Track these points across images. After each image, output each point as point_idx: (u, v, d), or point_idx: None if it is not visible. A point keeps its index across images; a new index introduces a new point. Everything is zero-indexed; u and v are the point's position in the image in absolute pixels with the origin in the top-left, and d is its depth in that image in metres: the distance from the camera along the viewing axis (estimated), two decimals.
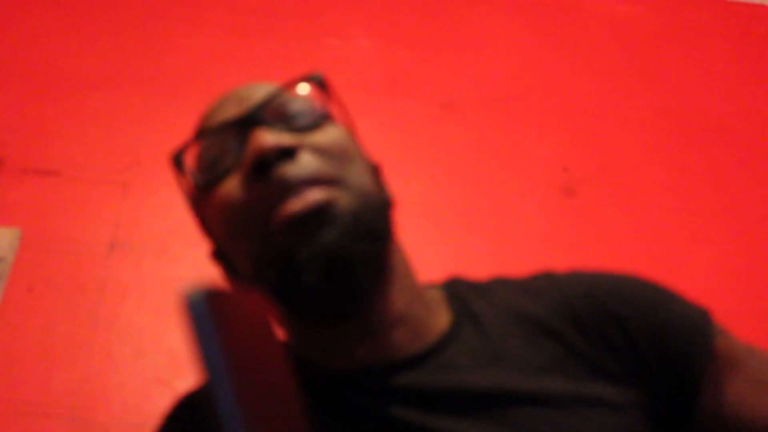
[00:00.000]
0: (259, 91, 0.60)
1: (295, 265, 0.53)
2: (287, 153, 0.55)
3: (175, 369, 1.25)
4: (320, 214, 0.53)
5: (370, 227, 0.55)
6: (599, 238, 1.44)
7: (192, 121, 1.53)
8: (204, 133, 0.61)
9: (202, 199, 0.60)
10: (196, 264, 1.35)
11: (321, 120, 0.59)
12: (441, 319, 0.62)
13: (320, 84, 0.61)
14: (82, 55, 1.54)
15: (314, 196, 0.53)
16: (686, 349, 0.59)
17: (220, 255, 0.63)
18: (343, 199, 0.54)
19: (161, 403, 1.22)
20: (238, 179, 0.56)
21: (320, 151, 0.56)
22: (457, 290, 0.65)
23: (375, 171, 0.64)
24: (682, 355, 0.59)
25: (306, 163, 0.55)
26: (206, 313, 0.33)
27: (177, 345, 1.29)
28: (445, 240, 1.39)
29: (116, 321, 1.28)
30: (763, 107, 1.65)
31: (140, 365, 1.25)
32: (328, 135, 0.58)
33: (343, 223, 0.53)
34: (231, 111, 0.60)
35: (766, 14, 1.78)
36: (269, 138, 0.54)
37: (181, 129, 1.47)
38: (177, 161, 0.61)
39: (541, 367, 0.57)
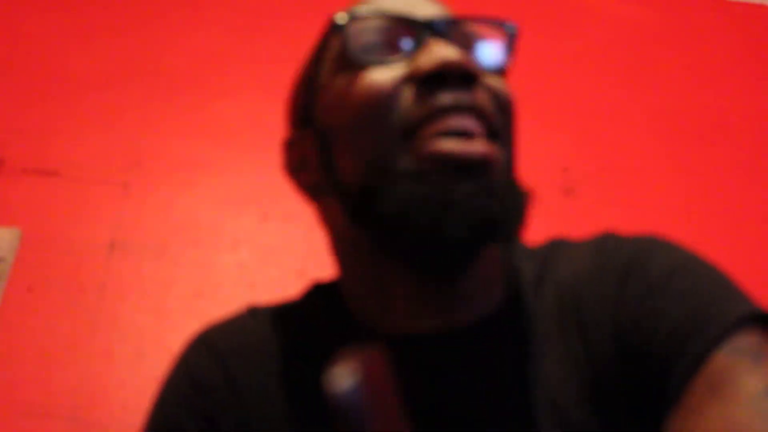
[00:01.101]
0: (439, 7, 0.56)
1: (429, 201, 0.48)
2: (468, 78, 0.51)
3: None
4: (478, 168, 0.49)
5: (515, 205, 0.52)
6: None
7: (192, 121, 1.54)
8: (389, 15, 0.54)
9: (340, 71, 0.54)
10: (196, 264, 1.35)
11: (502, 69, 0.55)
12: (495, 292, 0.57)
13: (512, 36, 0.57)
14: (82, 55, 1.54)
15: (481, 147, 0.49)
16: (673, 347, 0.49)
17: (319, 139, 0.56)
18: (501, 163, 0.51)
19: None
20: (402, 76, 0.51)
21: (496, 96, 0.53)
22: (513, 256, 0.60)
23: None
24: (666, 352, 0.49)
25: (483, 97, 0.51)
26: (358, 399, 0.33)
27: (177, 345, 1.28)
28: None
29: (116, 321, 1.28)
30: (763, 107, 1.65)
31: (140, 365, 1.25)
32: (508, 88, 0.54)
33: (495, 189, 0.50)
34: (422, 9, 0.55)
35: (766, 14, 1.78)
36: (457, 53, 0.50)
37: (181, 129, 1.48)
38: (338, 21, 0.55)
39: (567, 390, 0.52)
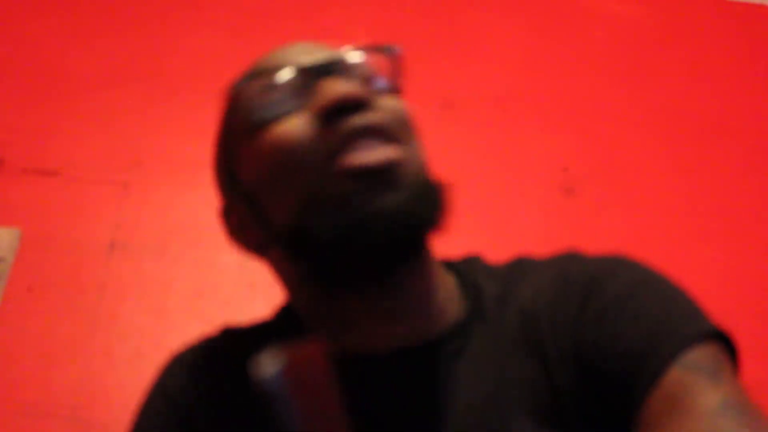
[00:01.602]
0: (324, 48, 0.60)
1: (355, 218, 0.52)
2: (362, 104, 0.54)
3: None
4: (389, 172, 0.53)
5: (432, 197, 0.55)
6: (599, 238, 1.44)
7: (192, 121, 1.54)
8: (272, 72, 0.58)
9: (247, 137, 0.58)
10: (196, 264, 1.35)
11: (390, 88, 0.59)
12: (454, 308, 0.59)
13: (395, 57, 0.60)
14: (82, 55, 1.54)
15: (386, 152, 0.53)
16: (631, 364, 0.50)
17: (248, 199, 0.60)
18: (409, 165, 0.54)
19: None
20: (304, 121, 0.55)
21: (390, 114, 0.56)
22: (473, 276, 0.62)
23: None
24: (624, 370, 0.50)
25: (379, 116, 0.55)
26: (282, 387, 0.33)
27: (177, 345, 1.28)
28: (445, 239, 1.39)
29: (116, 321, 1.28)
30: (763, 107, 1.65)
31: (140, 365, 1.25)
32: (401, 104, 0.58)
33: (408, 187, 0.53)
34: (303, 58, 0.58)
35: (766, 14, 1.78)
36: (348, 86, 0.54)
37: (181, 129, 1.48)
38: (233, 92, 0.60)
39: (523, 405, 0.53)
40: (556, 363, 0.53)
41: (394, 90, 0.59)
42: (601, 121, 1.59)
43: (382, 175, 0.52)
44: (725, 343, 0.52)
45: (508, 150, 1.52)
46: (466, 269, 0.63)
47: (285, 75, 0.57)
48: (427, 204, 0.54)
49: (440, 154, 1.49)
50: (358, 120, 0.54)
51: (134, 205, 1.39)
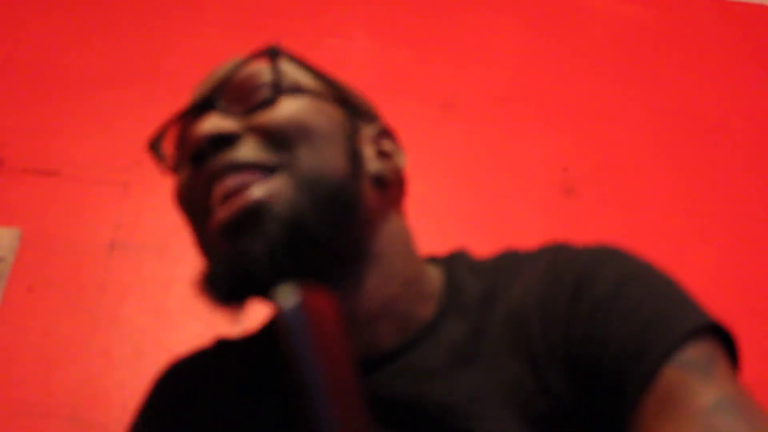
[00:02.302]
0: (225, 70, 0.58)
1: (210, 275, 0.52)
2: (226, 140, 0.52)
3: None
4: (250, 218, 0.50)
5: (316, 221, 0.51)
6: (599, 238, 1.43)
7: None
8: (173, 119, 0.58)
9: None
10: (196, 264, 1.35)
11: (275, 96, 0.54)
12: (428, 308, 0.57)
13: (273, 55, 0.56)
14: (82, 55, 1.54)
15: (244, 199, 0.50)
16: (623, 364, 0.48)
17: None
18: (283, 194, 0.51)
19: None
20: (186, 170, 0.55)
21: (267, 132, 0.53)
22: (454, 270, 0.60)
23: (356, 138, 0.58)
24: (616, 370, 0.48)
25: (244, 151, 0.52)
26: (301, 322, 0.33)
27: (177, 345, 1.29)
28: (445, 240, 1.39)
29: (116, 321, 1.28)
30: (763, 107, 1.65)
31: (140, 365, 1.25)
32: (279, 112, 0.53)
33: (276, 227, 0.50)
34: (199, 91, 0.59)
35: (766, 14, 1.78)
36: (207, 125, 0.52)
37: None
38: (155, 148, 0.60)
39: (505, 399, 0.51)
40: (545, 363, 0.52)
41: (284, 92, 0.55)
42: (601, 121, 1.59)
43: (242, 224, 0.50)
44: (721, 334, 0.50)
45: (508, 150, 1.52)
46: (450, 265, 0.61)
47: (175, 124, 0.58)
48: (303, 233, 0.50)
49: (440, 154, 1.50)
50: (212, 164, 0.52)
51: (134, 205, 1.39)
